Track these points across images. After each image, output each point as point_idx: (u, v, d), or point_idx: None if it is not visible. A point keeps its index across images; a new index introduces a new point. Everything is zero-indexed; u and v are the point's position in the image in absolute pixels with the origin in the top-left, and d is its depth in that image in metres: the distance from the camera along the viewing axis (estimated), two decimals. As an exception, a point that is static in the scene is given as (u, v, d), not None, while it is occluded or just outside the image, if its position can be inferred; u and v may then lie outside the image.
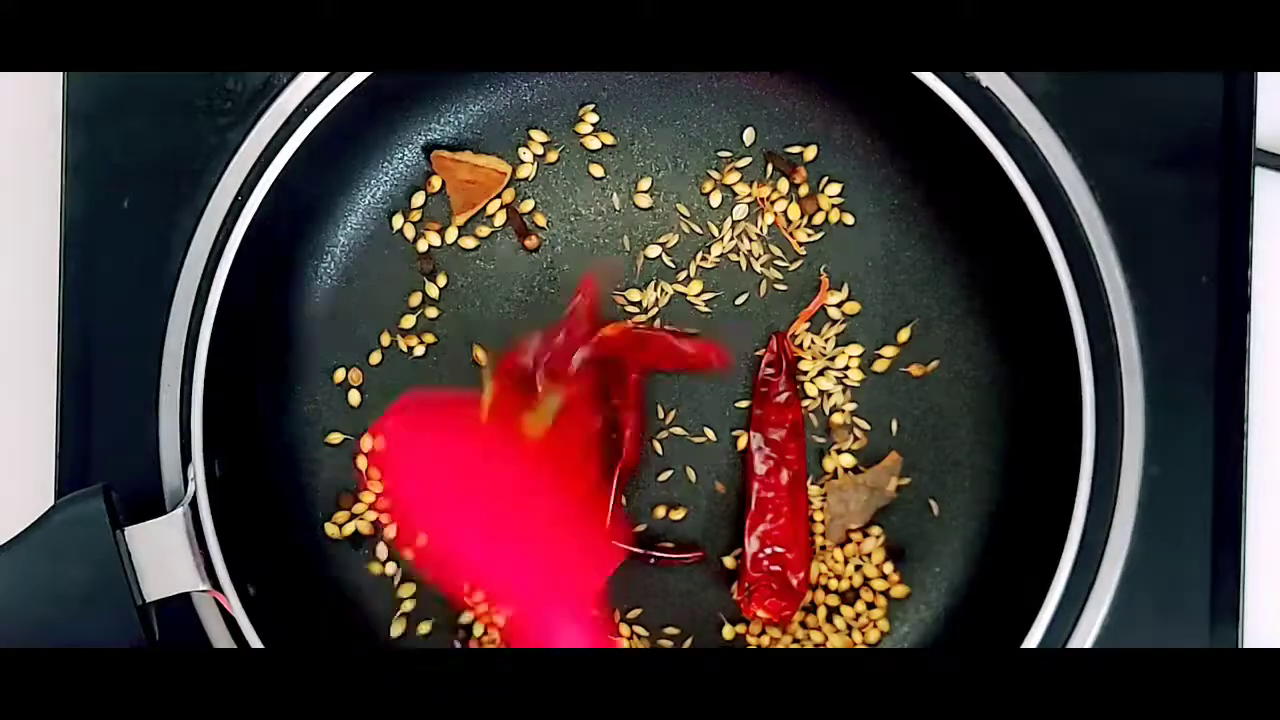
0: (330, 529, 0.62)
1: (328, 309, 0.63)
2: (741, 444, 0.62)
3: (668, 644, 0.62)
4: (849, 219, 0.63)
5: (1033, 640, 0.57)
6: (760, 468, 0.61)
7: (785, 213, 0.63)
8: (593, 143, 0.63)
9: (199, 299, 0.60)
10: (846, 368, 0.63)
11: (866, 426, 0.62)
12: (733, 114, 0.63)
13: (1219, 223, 0.60)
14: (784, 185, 0.63)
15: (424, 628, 0.63)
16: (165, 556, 0.56)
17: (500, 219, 0.63)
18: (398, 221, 0.63)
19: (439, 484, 0.60)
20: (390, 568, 0.63)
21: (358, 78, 0.58)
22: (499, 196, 0.63)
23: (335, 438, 0.63)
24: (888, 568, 0.62)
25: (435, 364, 0.63)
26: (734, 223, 0.63)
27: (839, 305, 0.63)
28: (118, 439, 0.61)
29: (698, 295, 0.63)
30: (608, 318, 0.62)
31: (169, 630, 0.57)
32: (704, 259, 0.63)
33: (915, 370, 0.62)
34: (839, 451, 0.62)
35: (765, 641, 0.62)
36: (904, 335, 0.63)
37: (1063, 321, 0.57)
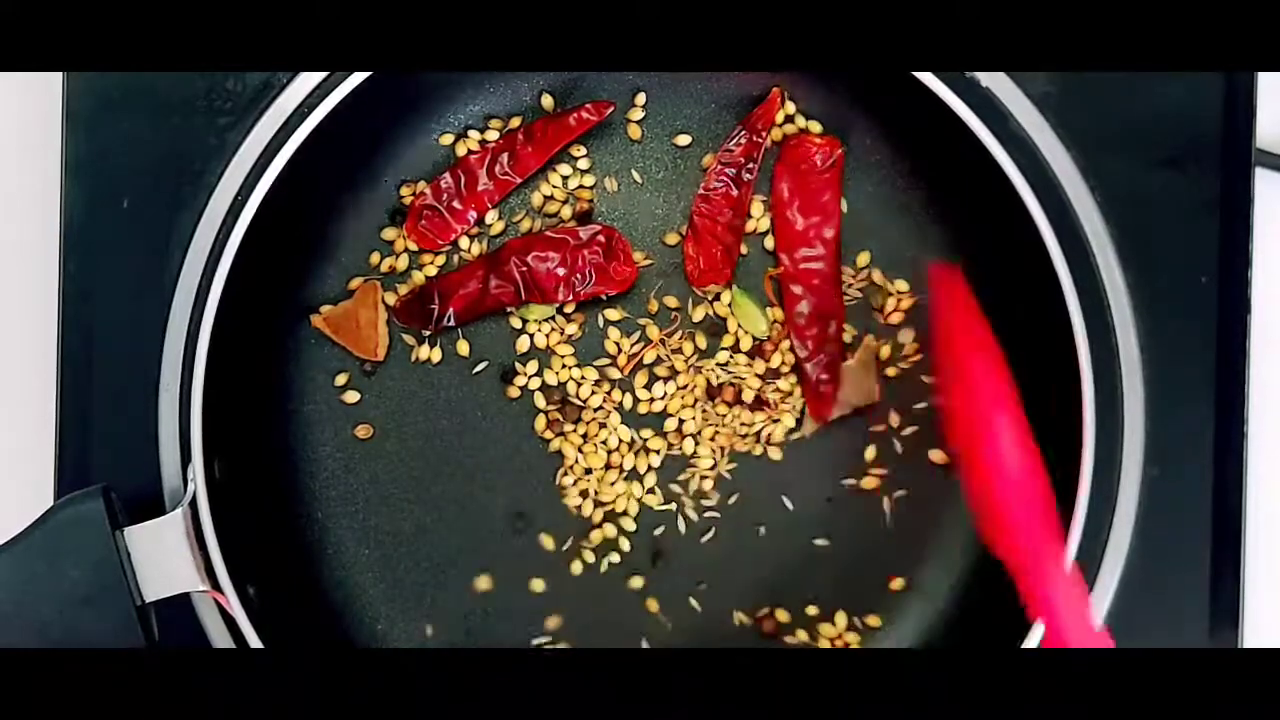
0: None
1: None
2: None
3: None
4: (848, 219, 0.63)
5: (1033, 640, 0.57)
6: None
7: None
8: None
9: (199, 299, 0.60)
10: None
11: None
12: (732, 114, 0.63)
13: (1219, 223, 0.60)
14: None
15: (430, 630, 0.63)
16: (165, 557, 0.56)
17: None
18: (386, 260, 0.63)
19: None
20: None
21: (357, 78, 0.58)
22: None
23: (335, 437, 0.63)
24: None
25: (436, 363, 0.63)
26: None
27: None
28: (118, 439, 0.61)
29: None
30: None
31: (169, 630, 0.57)
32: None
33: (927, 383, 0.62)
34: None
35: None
36: (906, 337, 0.63)
37: (1063, 321, 0.57)
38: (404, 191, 0.63)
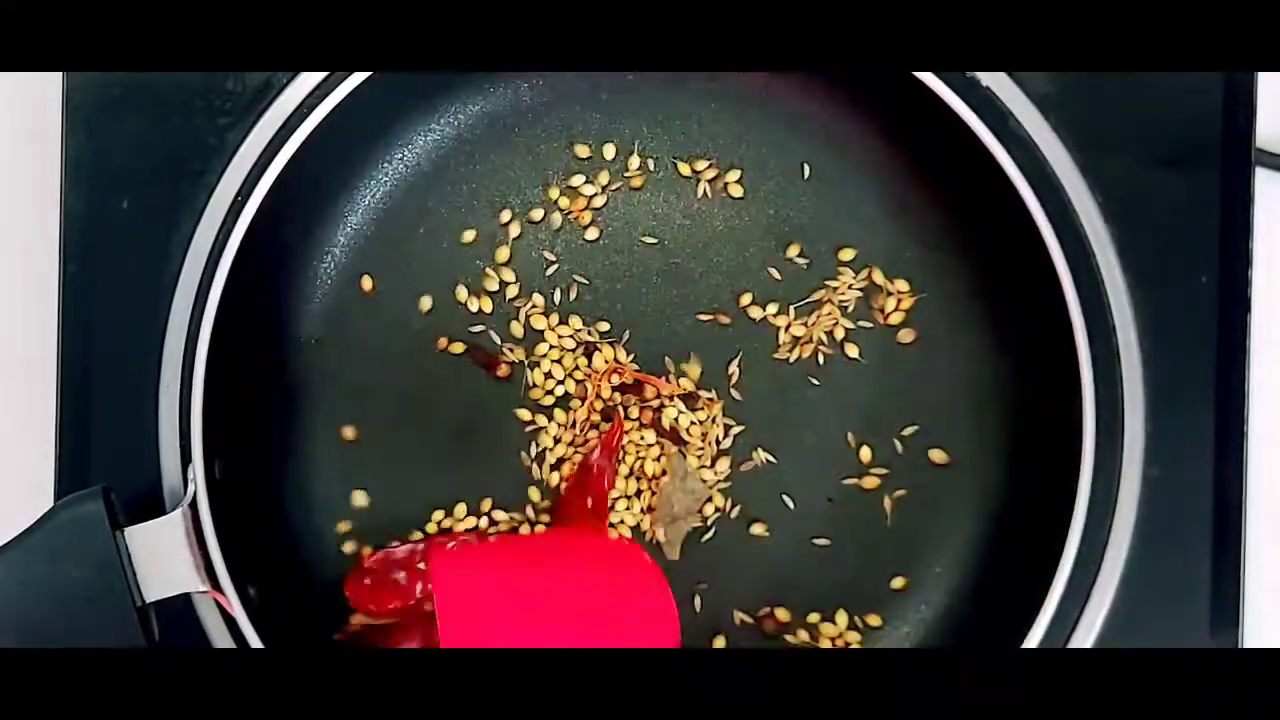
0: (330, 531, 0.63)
1: (328, 309, 0.63)
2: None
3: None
4: (849, 219, 0.63)
5: (1033, 640, 0.57)
6: None
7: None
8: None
9: (199, 299, 0.60)
10: (846, 368, 0.63)
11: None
12: (732, 114, 0.63)
13: (1219, 223, 0.60)
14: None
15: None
16: (165, 557, 0.56)
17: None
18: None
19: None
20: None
21: (358, 78, 0.58)
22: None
23: (335, 437, 0.63)
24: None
25: (434, 364, 0.63)
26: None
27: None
28: (118, 439, 0.61)
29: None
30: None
31: (169, 630, 0.57)
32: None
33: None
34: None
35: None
36: (906, 337, 0.63)
37: (1063, 321, 0.57)
38: (404, 191, 0.63)
